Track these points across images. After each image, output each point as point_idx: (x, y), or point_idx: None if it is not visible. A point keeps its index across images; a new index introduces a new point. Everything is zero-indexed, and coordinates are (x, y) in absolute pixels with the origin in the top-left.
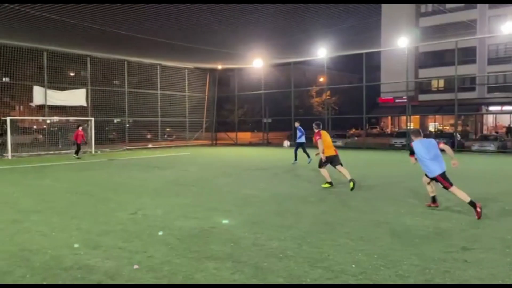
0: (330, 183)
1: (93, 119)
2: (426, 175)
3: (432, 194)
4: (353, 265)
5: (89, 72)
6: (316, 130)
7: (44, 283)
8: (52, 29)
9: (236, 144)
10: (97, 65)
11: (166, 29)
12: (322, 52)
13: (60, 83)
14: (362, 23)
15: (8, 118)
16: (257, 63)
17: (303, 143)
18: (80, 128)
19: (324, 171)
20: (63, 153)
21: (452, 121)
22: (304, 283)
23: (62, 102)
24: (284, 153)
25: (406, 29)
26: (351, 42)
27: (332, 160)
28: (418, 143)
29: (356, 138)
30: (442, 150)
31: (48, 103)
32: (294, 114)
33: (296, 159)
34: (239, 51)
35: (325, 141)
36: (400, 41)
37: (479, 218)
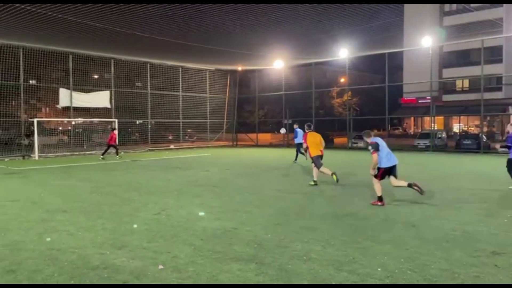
0: (337, 179)
1: (116, 120)
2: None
3: (379, 193)
4: (379, 269)
5: (112, 74)
6: (307, 131)
7: (72, 282)
8: (77, 32)
9: (256, 145)
10: (120, 68)
11: (188, 31)
12: (343, 52)
13: (85, 85)
14: (384, 23)
15: (35, 120)
16: (277, 64)
17: (301, 143)
18: (115, 131)
19: (324, 169)
20: (87, 154)
21: (477, 122)
22: (327, 283)
23: (87, 104)
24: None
25: (430, 29)
26: (373, 42)
27: (319, 159)
28: (378, 140)
29: None
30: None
31: (74, 105)
32: (315, 115)
33: (296, 159)
34: (260, 52)
35: (309, 141)
36: (424, 40)
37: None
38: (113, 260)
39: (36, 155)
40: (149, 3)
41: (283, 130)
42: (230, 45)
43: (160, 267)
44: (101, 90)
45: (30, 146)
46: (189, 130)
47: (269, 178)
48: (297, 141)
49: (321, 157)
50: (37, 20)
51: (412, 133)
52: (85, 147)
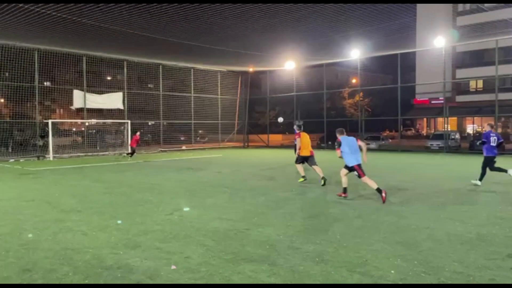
0: (304, 177)
1: (129, 121)
2: (345, 166)
3: (344, 185)
4: (392, 271)
5: (125, 75)
6: (297, 131)
7: (86, 282)
8: (91, 34)
9: (267, 146)
10: (133, 69)
11: (200, 33)
12: (355, 53)
13: (98, 86)
14: (397, 24)
15: (49, 121)
16: (289, 65)
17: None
18: (138, 133)
19: (299, 167)
20: (100, 155)
21: (491, 123)
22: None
23: (100, 105)
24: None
25: (443, 29)
26: (385, 42)
27: (307, 160)
28: (344, 139)
29: (390, 140)
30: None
31: (87, 106)
32: (326, 116)
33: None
34: (271, 53)
35: (302, 142)
36: (437, 41)
37: (384, 202)
38: (126, 260)
39: (50, 155)
40: (160, 3)
41: (281, 119)
42: (242, 47)
43: (173, 267)
44: (114, 92)
45: (45, 147)
46: (200, 131)
47: (280, 179)
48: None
49: (310, 157)
50: (51, 23)
51: (425, 134)
52: (98, 148)
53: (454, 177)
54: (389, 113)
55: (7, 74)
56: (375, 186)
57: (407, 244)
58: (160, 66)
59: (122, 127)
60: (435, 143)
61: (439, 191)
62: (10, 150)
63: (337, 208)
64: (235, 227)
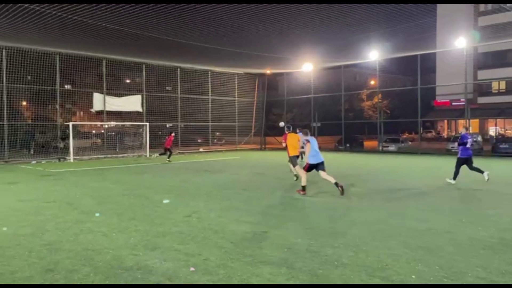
0: (297, 177)
1: (147, 124)
2: (304, 166)
3: (304, 184)
4: (413, 276)
5: (144, 78)
6: (286, 132)
7: (107, 282)
8: (110, 38)
9: (285, 148)
10: (151, 72)
11: (218, 36)
12: (374, 54)
13: (117, 89)
14: (417, 24)
15: (70, 124)
16: (306, 67)
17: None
18: (173, 134)
19: (296, 168)
20: (119, 157)
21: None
22: None
23: (119, 108)
24: (334, 158)
25: (464, 29)
26: (404, 43)
27: (296, 159)
28: (312, 139)
29: (410, 142)
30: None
31: (107, 109)
32: (344, 118)
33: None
34: (288, 55)
35: (290, 143)
36: (458, 41)
37: (342, 195)
38: (146, 261)
39: (71, 157)
40: (179, 3)
41: (281, 124)
42: (259, 49)
43: (192, 269)
44: (133, 94)
45: (66, 149)
46: (217, 134)
47: (298, 182)
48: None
49: (297, 157)
50: (73, 27)
51: (445, 136)
52: (117, 150)
53: (475, 180)
54: (409, 115)
55: (29, 77)
56: (333, 180)
57: (428, 248)
58: (178, 69)
59: (141, 129)
60: (456, 146)
61: (460, 195)
62: (32, 152)
63: (356, 212)
64: (252, 229)
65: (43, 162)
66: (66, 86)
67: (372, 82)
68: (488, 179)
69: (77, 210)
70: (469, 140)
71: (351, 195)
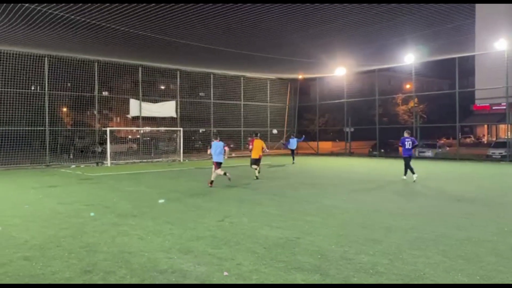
0: (257, 177)
1: (181, 129)
2: (214, 162)
3: (213, 179)
4: None
5: (178, 85)
6: (254, 137)
7: (144, 283)
8: (146, 46)
9: (317, 153)
10: (185, 78)
11: (251, 43)
12: (409, 58)
13: (152, 95)
14: (454, 26)
15: (108, 129)
16: (339, 71)
17: (293, 149)
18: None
19: (255, 167)
20: (154, 161)
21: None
22: None
23: (155, 114)
24: (369, 163)
25: (505, 31)
26: (441, 46)
27: (257, 161)
28: (214, 143)
29: (447, 148)
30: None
31: (143, 114)
32: (378, 123)
33: (293, 161)
34: (321, 60)
35: (255, 146)
36: (498, 43)
37: (210, 186)
38: (180, 265)
39: (108, 162)
40: (214, 2)
41: (275, 131)
42: (292, 54)
43: (225, 273)
44: (167, 100)
45: (103, 153)
46: (249, 138)
47: (330, 187)
48: (291, 147)
49: (259, 159)
50: (111, 36)
51: (485, 142)
52: (152, 155)
53: None
54: (446, 119)
55: (69, 84)
56: (213, 176)
57: (468, 258)
58: (211, 75)
59: (175, 135)
60: (497, 152)
61: (502, 202)
62: (71, 156)
63: (390, 219)
64: (285, 235)
65: (81, 166)
66: (104, 93)
67: (407, 86)
68: (404, 179)
69: (114, 213)
70: (407, 142)
71: (384, 201)
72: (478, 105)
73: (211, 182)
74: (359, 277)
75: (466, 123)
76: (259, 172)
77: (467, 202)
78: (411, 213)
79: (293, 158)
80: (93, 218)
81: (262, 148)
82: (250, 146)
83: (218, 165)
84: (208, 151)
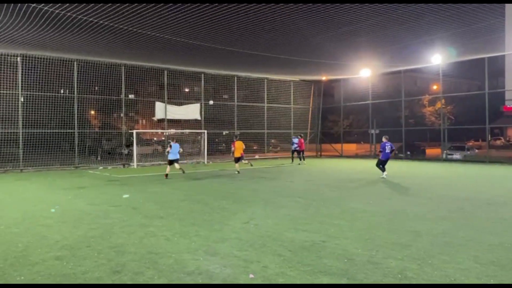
0: (238, 171)
1: (206, 131)
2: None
3: (167, 172)
4: None
5: (202, 87)
6: (235, 140)
7: (172, 283)
8: (172, 50)
9: (341, 155)
10: (209, 81)
11: (275, 44)
12: (436, 58)
13: (177, 98)
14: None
15: (134, 131)
16: (364, 72)
17: (294, 150)
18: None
19: (237, 165)
20: (179, 163)
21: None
22: None
23: (180, 116)
24: (394, 166)
25: None
26: (469, 46)
27: (239, 159)
28: (174, 144)
29: (476, 150)
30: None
31: (168, 117)
32: (404, 124)
33: (292, 161)
34: (345, 61)
35: (236, 147)
36: None
37: (166, 177)
38: (207, 266)
39: (134, 164)
40: (236, 4)
41: (211, 102)
42: (316, 56)
43: (251, 276)
44: (192, 103)
45: (129, 155)
46: (273, 141)
47: (355, 190)
48: (293, 148)
49: (242, 157)
50: (138, 40)
51: None
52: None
53: None
54: (475, 121)
55: (96, 88)
56: (168, 172)
57: (502, 264)
58: (235, 78)
59: (199, 137)
60: None
61: None
62: (99, 158)
63: (419, 222)
64: (311, 238)
65: (109, 168)
66: (130, 96)
67: (434, 87)
68: (384, 177)
69: (141, 215)
70: (387, 147)
71: (411, 204)
72: (508, 106)
73: (166, 175)
74: (387, 282)
75: (496, 125)
76: (244, 165)
77: (498, 205)
78: (439, 217)
79: (303, 158)
80: (121, 219)
81: (243, 148)
82: (233, 148)
83: (173, 161)
84: (169, 150)
